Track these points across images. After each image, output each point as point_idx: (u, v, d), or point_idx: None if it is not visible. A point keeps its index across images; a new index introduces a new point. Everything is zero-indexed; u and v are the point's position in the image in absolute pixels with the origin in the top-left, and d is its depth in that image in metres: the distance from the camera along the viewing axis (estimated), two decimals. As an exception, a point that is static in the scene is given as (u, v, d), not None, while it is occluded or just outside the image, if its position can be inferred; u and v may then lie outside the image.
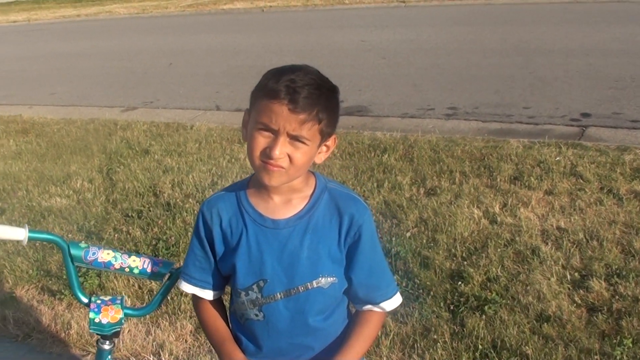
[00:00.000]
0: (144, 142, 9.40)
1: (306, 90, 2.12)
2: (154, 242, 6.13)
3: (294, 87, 2.12)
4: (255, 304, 2.42)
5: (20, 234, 2.46)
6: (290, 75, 2.16)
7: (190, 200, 7.02)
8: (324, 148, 2.32)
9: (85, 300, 2.72)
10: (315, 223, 2.34)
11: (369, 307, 2.43)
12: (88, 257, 2.61)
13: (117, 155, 8.85)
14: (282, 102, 2.12)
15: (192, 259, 2.52)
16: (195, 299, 2.59)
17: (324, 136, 2.24)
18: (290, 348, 2.47)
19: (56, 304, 5.42)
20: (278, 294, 2.38)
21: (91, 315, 2.66)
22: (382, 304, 2.42)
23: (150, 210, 6.85)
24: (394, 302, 2.44)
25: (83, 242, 2.68)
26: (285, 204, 2.36)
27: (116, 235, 6.37)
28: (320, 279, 2.35)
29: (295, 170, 2.24)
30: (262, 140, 2.19)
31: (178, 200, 7.05)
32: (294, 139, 2.17)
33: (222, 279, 2.52)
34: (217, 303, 2.60)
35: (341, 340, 2.44)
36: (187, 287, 2.54)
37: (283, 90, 2.13)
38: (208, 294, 2.55)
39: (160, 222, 6.52)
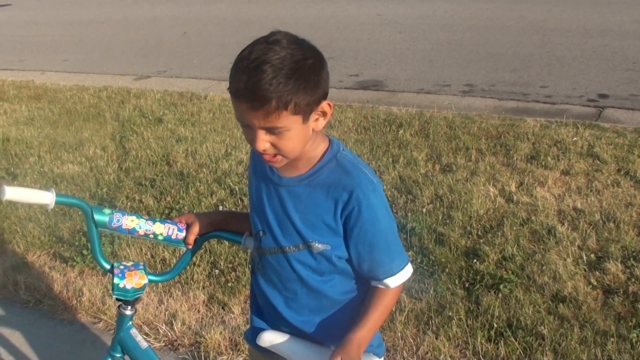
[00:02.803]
0: (158, 110, 9.37)
1: (259, 82, 2.06)
2: (166, 211, 6.12)
3: (244, 86, 2.08)
4: (258, 251, 2.52)
5: (47, 197, 2.43)
6: (245, 65, 2.11)
7: (203, 170, 7.00)
8: (317, 115, 2.24)
9: (108, 266, 2.71)
10: (312, 189, 2.33)
11: (374, 282, 2.41)
12: (112, 224, 2.59)
13: (130, 123, 8.83)
14: (241, 99, 2.11)
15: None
16: None
17: (305, 111, 2.16)
18: (285, 304, 2.53)
19: (68, 270, 5.43)
20: (273, 248, 2.43)
21: (115, 280, 2.66)
22: (386, 281, 2.36)
23: (163, 179, 6.84)
24: (398, 279, 2.37)
25: (106, 207, 2.66)
26: (291, 165, 2.34)
27: (129, 203, 6.36)
28: (312, 243, 2.34)
29: (289, 153, 2.22)
30: (247, 133, 2.20)
31: (191, 170, 7.04)
32: (270, 130, 2.14)
33: None
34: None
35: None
36: None
37: (238, 91, 2.11)
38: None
39: (173, 191, 6.52)
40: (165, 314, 4.80)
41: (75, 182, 7.00)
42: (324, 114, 2.25)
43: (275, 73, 2.07)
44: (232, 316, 4.72)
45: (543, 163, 6.63)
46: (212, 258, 5.33)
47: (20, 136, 8.60)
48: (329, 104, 2.24)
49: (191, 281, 5.10)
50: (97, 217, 2.58)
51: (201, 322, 4.71)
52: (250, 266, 2.68)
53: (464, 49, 11.82)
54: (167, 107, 9.58)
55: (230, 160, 7.23)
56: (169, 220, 2.70)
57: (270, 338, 2.54)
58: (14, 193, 2.35)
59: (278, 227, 2.40)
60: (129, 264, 2.73)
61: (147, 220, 2.65)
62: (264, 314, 2.64)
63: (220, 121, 8.71)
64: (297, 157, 2.29)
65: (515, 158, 6.78)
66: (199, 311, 4.83)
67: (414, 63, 11.23)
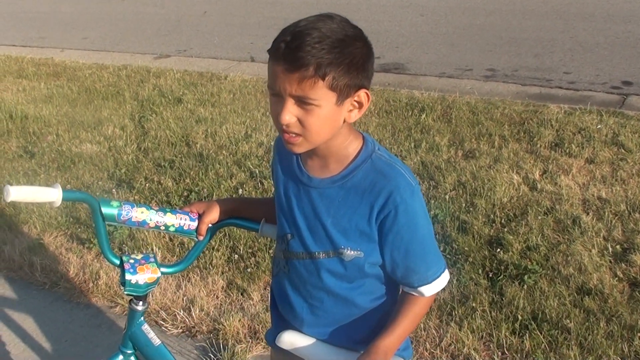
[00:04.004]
0: (177, 90, 9.31)
1: (302, 44, 1.98)
2: (185, 194, 6.05)
3: (288, 42, 2.00)
4: (284, 255, 2.41)
5: (53, 194, 2.29)
6: (292, 29, 2.04)
7: (223, 152, 6.93)
8: (352, 105, 2.13)
9: (117, 261, 2.59)
10: (346, 192, 2.20)
11: (407, 289, 2.29)
12: (122, 217, 2.48)
13: (149, 103, 8.77)
14: (279, 61, 2.01)
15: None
16: None
17: (342, 92, 2.05)
18: (307, 308, 2.43)
19: (85, 252, 5.36)
20: (301, 252, 2.32)
21: (127, 276, 2.54)
22: (420, 289, 2.24)
23: (182, 161, 6.77)
24: (433, 287, 2.25)
25: (114, 199, 2.55)
26: (322, 165, 2.24)
27: (147, 184, 6.30)
28: (344, 250, 2.22)
29: (313, 135, 2.10)
30: (275, 105, 2.09)
31: (211, 151, 6.96)
32: (300, 100, 2.03)
33: None
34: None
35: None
36: None
37: (278, 48, 2.02)
38: None
39: (192, 173, 6.44)
40: (183, 300, 4.73)
41: (93, 161, 6.93)
42: (359, 105, 2.13)
43: (322, 39, 1.99)
44: (252, 303, 4.64)
45: (567, 151, 6.52)
46: (232, 243, 5.25)
47: (38, 114, 8.54)
48: (367, 95, 2.12)
49: (210, 266, 5.02)
50: (105, 210, 2.47)
51: (220, 308, 4.63)
52: (273, 267, 2.57)
53: (486, 33, 11.70)
54: (186, 87, 9.51)
55: (251, 142, 7.15)
56: (179, 211, 2.61)
57: (291, 340, 2.45)
58: (19, 193, 2.23)
59: (308, 232, 2.29)
60: (139, 256, 2.63)
61: (157, 211, 2.55)
62: (286, 319, 2.54)
63: (240, 102, 8.63)
64: (323, 151, 2.19)
65: (538, 145, 6.68)
66: (217, 297, 4.75)
67: (436, 46, 11.13)
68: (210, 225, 2.63)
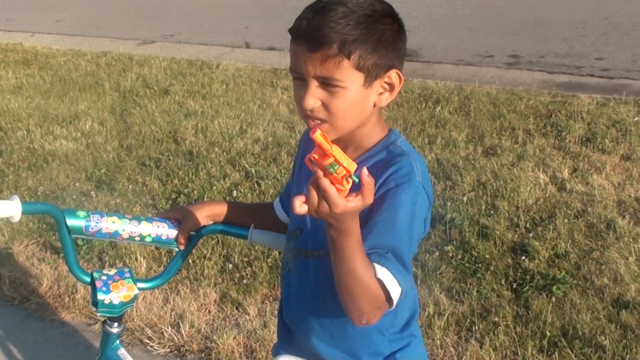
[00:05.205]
0: (163, 80, 9.32)
1: (325, 20, 2.01)
2: (173, 196, 6.06)
3: (310, 19, 2.04)
4: (293, 253, 2.41)
5: (10, 208, 2.22)
6: (315, 5, 2.08)
7: (215, 149, 6.93)
8: (382, 87, 2.14)
9: (87, 279, 2.55)
10: None
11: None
12: (90, 229, 2.44)
13: (132, 95, 8.78)
14: (300, 40, 2.05)
15: (291, 178, 2.67)
16: None
17: (370, 72, 2.07)
18: (306, 321, 2.41)
19: (59, 263, 5.34)
20: (311, 250, 2.32)
21: (100, 296, 2.49)
22: (375, 264, 2.05)
23: (170, 159, 6.77)
24: (384, 273, 2.05)
25: (81, 209, 2.49)
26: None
27: (130, 186, 6.30)
28: None
29: (340, 121, 2.10)
30: (298, 90, 2.11)
31: (202, 149, 6.97)
32: (325, 82, 2.05)
33: None
34: (278, 220, 2.65)
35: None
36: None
37: (299, 25, 2.06)
38: (277, 204, 2.70)
39: (181, 173, 6.45)
40: (171, 315, 4.73)
41: (69, 160, 6.93)
42: (391, 87, 2.15)
43: (346, 14, 2.02)
44: (248, 318, 4.64)
45: (600, 146, 6.53)
46: (225, 250, 5.25)
47: (6, 107, 8.54)
48: (399, 75, 2.14)
49: (201, 277, 5.02)
50: (71, 222, 2.43)
51: (212, 324, 4.64)
52: (281, 269, 2.57)
53: (509, 14, 11.71)
54: (174, 76, 9.52)
55: (246, 138, 7.16)
56: (156, 218, 2.58)
57: None
58: None
59: (316, 227, 2.28)
60: (112, 272, 2.58)
61: (131, 220, 2.51)
62: (292, 324, 2.53)
63: (234, 94, 8.65)
64: (348, 137, 2.19)
65: (568, 140, 6.68)
66: (209, 312, 4.75)
67: (452, 30, 11.14)
68: (192, 232, 2.61)
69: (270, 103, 8.20)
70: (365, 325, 2.10)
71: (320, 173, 1.80)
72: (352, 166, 1.77)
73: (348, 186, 1.82)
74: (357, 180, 1.81)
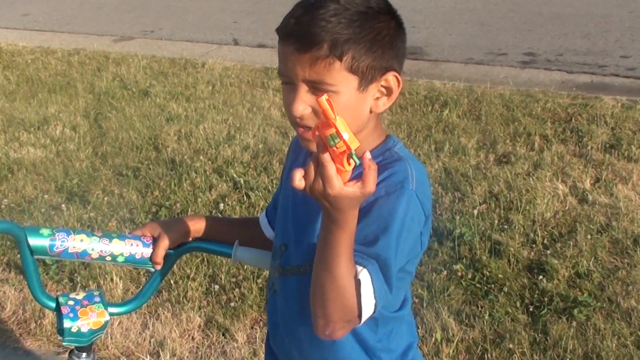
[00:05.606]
0: (143, 81, 9.32)
1: (315, 18, 2.00)
2: (154, 209, 6.05)
3: (295, 21, 2.03)
4: (279, 271, 2.39)
5: None
6: (302, 5, 2.06)
7: (200, 157, 6.93)
8: (379, 92, 2.13)
9: (52, 304, 2.53)
10: None
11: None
12: (55, 248, 2.41)
13: (108, 97, 8.77)
14: (288, 40, 2.04)
15: (277, 190, 2.65)
16: None
17: (365, 75, 2.05)
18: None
19: (25, 285, 5.31)
20: (296, 267, 2.31)
21: (66, 323, 2.46)
22: (357, 266, 2.03)
23: (150, 169, 6.76)
24: (363, 275, 2.03)
25: (44, 227, 2.46)
26: None
27: (106, 198, 6.28)
28: None
29: None
30: (287, 94, 2.11)
31: (185, 157, 6.96)
32: (315, 86, 2.03)
33: None
34: (265, 237, 2.65)
35: None
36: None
37: (286, 27, 2.05)
38: (263, 219, 2.68)
39: (162, 183, 6.44)
40: (150, 343, 4.71)
41: (37, 170, 6.91)
42: (388, 91, 2.14)
43: (338, 11, 2.01)
44: (235, 345, 4.62)
45: (625, 154, 6.54)
46: (211, 270, 5.24)
47: (-33, 111, 8.53)
48: (397, 78, 2.13)
49: (184, 300, 5.01)
50: (33, 241, 2.40)
51: (196, 352, 4.63)
52: (267, 290, 2.55)
53: (524, 8, 11.75)
54: (154, 76, 9.52)
55: (234, 145, 7.15)
56: (130, 235, 2.55)
57: None
58: None
59: (300, 239, 2.28)
60: (80, 296, 2.54)
61: (101, 237, 2.48)
62: (280, 352, 2.51)
63: (221, 95, 8.65)
64: None
65: (589, 147, 6.69)
66: (193, 339, 4.74)
67: (462, 25, 11.17)
68: (169, 250, 2.57)
69: (261, 106, 8.20)
70: (327, 339, 2.09)
71: (320, 150, 1.80)
72: (354, 143, 1.74)
73: (349, 168, 1.81)
74: (357, 161, 1.80)
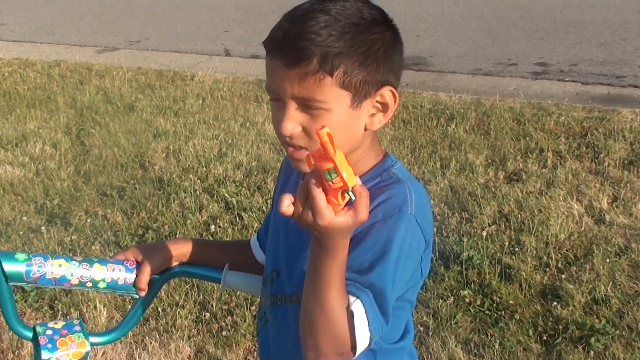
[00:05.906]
0: (128, 95, 9.34)
1: (304, 30, 1.98)
2: (140, 232, 6.05)
3: (283, 34, 2.02)
4: (270, 300, 2.41)
5: None
6: (293, 12, 2.06)
7: (190, 176, 6.95)
8: (374, 108, 2.12)
9: (29, 334, 2.50)
10: None
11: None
12: (32, 274, 2.39)
13: (90, 112, 8.79)
14: (276, 54, 2.02)
15: (270, 211, 2.63)
16: None
17: (358, 91, 2.04)
18: None
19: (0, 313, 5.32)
20: (289, 295, 2.31)
21: (44, 354, 2.42)
22: (350, 296, 2.03)
23: (136, 188, 6.78)
24: (356, 306, 2.04)
25: (20, 251, 2.44)
26: None
27: (89, 220, 6.29)
28: None
29: None
30: (275, 112, 2.10)
31: (174, 175, 6.98)
32: (305, 104, 2.03)
33: None
34: (254, 260, 2.67)
35: None
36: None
37: (273, 41, 2.04)
38: (254, 242, 2.70)
39: (149, 204, 6.45)
40: (136, 374, 4.72)
41: (14, 190, 6.92)
42: (384, 107, 2.13)
43: (328, 23, 1.99)
44: (228, 377, 4.63)
45: (645, 171, 6.54)
46: (201, 297, 5.24)
47: (-59, 127, 8.55)
48: (393, 93, 2.12)
49: (172, 328, 5.01)
50: (8, 267, 2.37)
51: (186, 384, 4.63)
52: (257, 320, 2.56)
53: (535, 15, 11.78)
54: (141, 90, 9.55)
55: (226, 163, 7.17)
56: (112, 260, 2.54)
57: None
58: None
59: (292, 265, 2.29)
60: (59, 325, 2.51)
61: (81, 262, 2.46)
62: None
63: (212, 110, 8.67)
64: None
65: (606, 163, 6.70)
66: (183, 370, 4.75)
67: (469, 34, 11.19)
68: (154, 276, 2.57)
69: (255, 121, 8.22)
70: None
71: (312, 179, 1.78)
72: (352, 180, 1.75)
73: (342, 202, 1.81)
74: (353, 197, 1.80)
